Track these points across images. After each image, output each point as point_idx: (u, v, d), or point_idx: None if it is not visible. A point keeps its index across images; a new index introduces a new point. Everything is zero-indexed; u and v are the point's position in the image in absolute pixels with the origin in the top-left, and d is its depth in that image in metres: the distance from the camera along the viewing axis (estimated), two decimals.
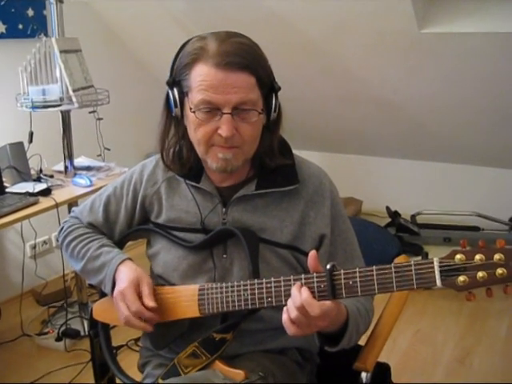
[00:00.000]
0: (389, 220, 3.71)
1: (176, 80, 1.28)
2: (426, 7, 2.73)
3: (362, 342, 1.48)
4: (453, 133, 3.47)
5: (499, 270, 0.99)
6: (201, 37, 1.27)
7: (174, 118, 1.32)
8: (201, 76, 1.22)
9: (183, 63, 1.26)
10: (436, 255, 1.05)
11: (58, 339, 2.81)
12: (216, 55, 1.21)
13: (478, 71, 2.90)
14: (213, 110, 1.23)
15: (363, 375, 1.41)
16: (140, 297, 1.31)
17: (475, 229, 3.59)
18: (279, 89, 1.30)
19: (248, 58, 1.22)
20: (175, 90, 1.28)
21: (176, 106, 1.28)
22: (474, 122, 3.30)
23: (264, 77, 1.25)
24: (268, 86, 1.27)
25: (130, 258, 1.40)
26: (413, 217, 3.74)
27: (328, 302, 1.11)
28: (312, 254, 1.15)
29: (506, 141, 3.35)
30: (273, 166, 1.34)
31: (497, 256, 0.99)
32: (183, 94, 1.27)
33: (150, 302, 1.30)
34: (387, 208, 3.76)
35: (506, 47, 2.67)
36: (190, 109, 1.24)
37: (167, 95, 1.31)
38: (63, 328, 2.84)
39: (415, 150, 3.81)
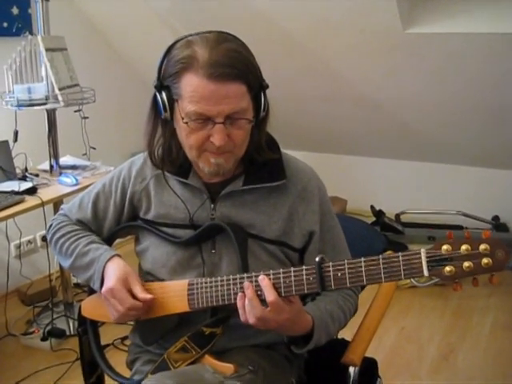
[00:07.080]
0: (373, 219, 3.73)
1: (164, 85, 1.26)
2: (411, 8, 2.75)
3: (349, 337, 1.50)
4: (436, 132, 3.51)
5: (485, 260, 1.01)
6: (188, 41, 1.23)
7: (161, 119, 1.31)
8: (191, 87, 1.20)
9: (171, 71, 1.23)
10: None
11: (44, 339, 2.79)
12: (207, 66, 1.18)
13: (461, 71, 2.94)
14: (205, 120, 1.22)
15: (351, 370, 1.42)
16: (129, 292, 1.32)
17: (459, 227, 3.62)
18: (267, 87, 1.29)
19: (239, 67, 1.20)
20: (164, 95, 1.25)
21: (166, 110, 1.26)
22: (457, 122, 3.33)
23: (254, 82, 1.25)
24: (257, 88, 1.27)
25: (118, 255, 1.40)
26: (397, 216, 3.77)
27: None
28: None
29: (490, 140, 3.39)
30: (261, 161, 1.35)
31: (482, 246, 1.01)
32: (173, 100, 1.26)
33: (146, 295, 1.31)
34: (372, 207, 3.78)
35: (489, 47, 2.71)
36: (182, 118, 1.23)
37: (155, 97, 1.29)
38: (49, 327, 2.82)
39: (399, 149, 3.84)
